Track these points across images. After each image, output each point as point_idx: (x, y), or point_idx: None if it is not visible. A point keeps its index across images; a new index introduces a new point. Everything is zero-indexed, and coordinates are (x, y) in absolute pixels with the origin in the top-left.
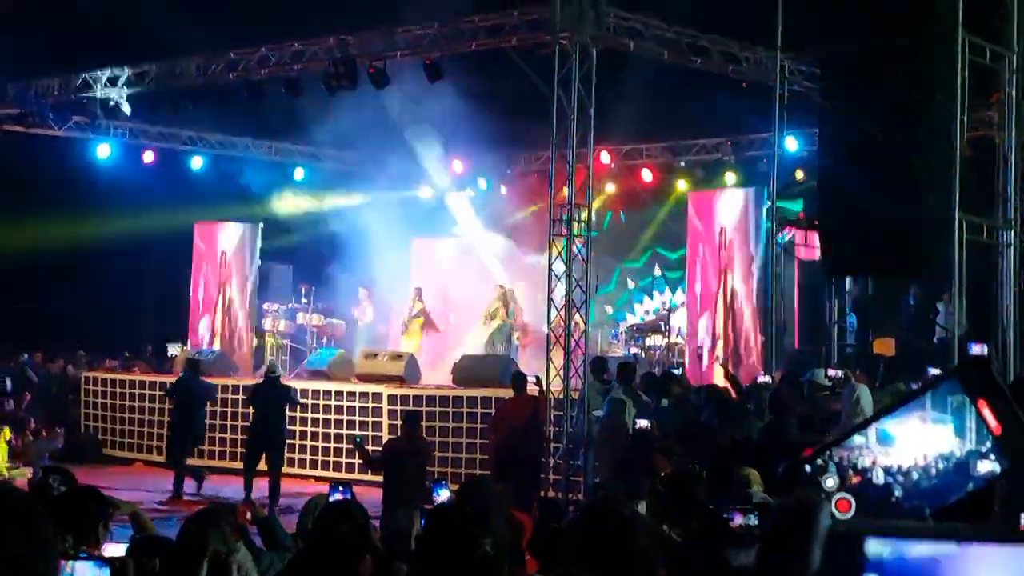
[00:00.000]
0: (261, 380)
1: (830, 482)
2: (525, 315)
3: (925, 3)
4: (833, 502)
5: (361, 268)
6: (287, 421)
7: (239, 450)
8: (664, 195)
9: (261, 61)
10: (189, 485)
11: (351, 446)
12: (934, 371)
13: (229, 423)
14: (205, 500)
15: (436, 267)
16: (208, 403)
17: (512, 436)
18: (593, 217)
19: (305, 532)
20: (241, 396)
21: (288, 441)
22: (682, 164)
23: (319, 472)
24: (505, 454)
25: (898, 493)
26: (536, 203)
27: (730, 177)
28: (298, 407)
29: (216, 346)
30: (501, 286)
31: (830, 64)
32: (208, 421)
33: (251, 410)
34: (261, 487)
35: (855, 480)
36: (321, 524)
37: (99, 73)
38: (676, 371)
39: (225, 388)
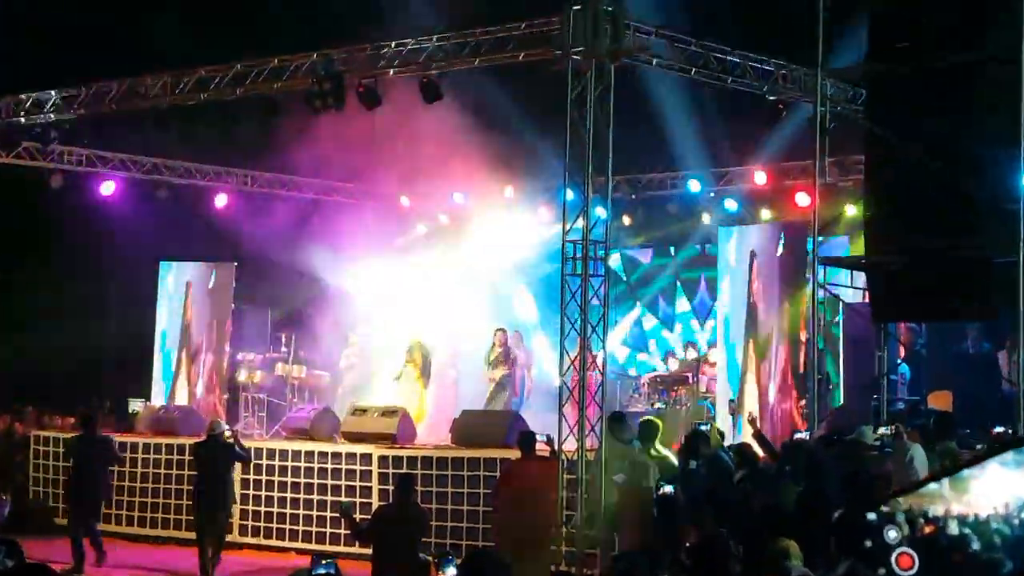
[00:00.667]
0: (203, 438)
1: (892, 533)
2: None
3: (982, 18)
4: (894, 558)
5: (349, 311)
6: (232, 482)
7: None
8: (691, 229)
9: (236, 79)
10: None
11: (336, 514)
12: (999, 429)
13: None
14: None
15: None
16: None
17: (520, 503)
18: (611, 255)
19: None
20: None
21: (264, 509)
22: (711, 195)
23: (299, 544)
24: (512, 524)
25: (975, 546)
26: (544, 236)
27: (765, 213)
28: (249, 463)
29: (182, 401)
30: (501, 330)
31: (877, 84)
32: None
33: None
34: (233, 561)
35: (927, 530)
36: None
37: (51, 93)
38: (705, 427)
39: (183, 448)
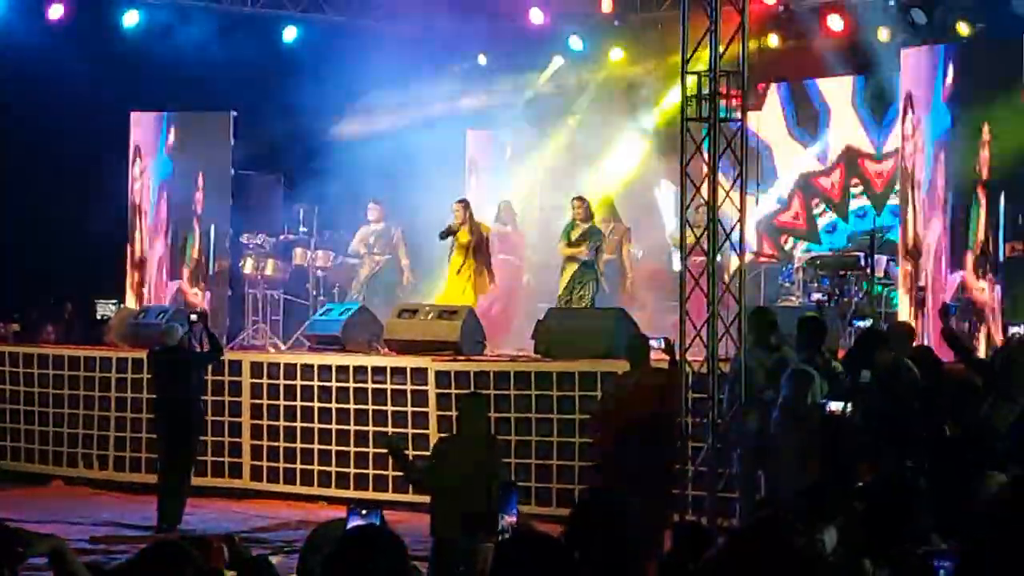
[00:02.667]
0: (157, 349)
1: None
2: (633, 243)
3: None
4: None
5: (385, 182)
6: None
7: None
8: (862, 53)
9: None
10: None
11: (381, 450)
12: None
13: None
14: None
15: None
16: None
17: (631, 432)
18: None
19: None
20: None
21: (283, 445)
22: (890, 4)
23: (332, 490)
24: (620, 459)
25: None
26: (661, 70)
27: (963, 26)
28: (221, 353)
29: (166, 302)
30: (580, 199)
31: None
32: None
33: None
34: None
35: None
36: (337, 564)
37: None
38: (884, 328)
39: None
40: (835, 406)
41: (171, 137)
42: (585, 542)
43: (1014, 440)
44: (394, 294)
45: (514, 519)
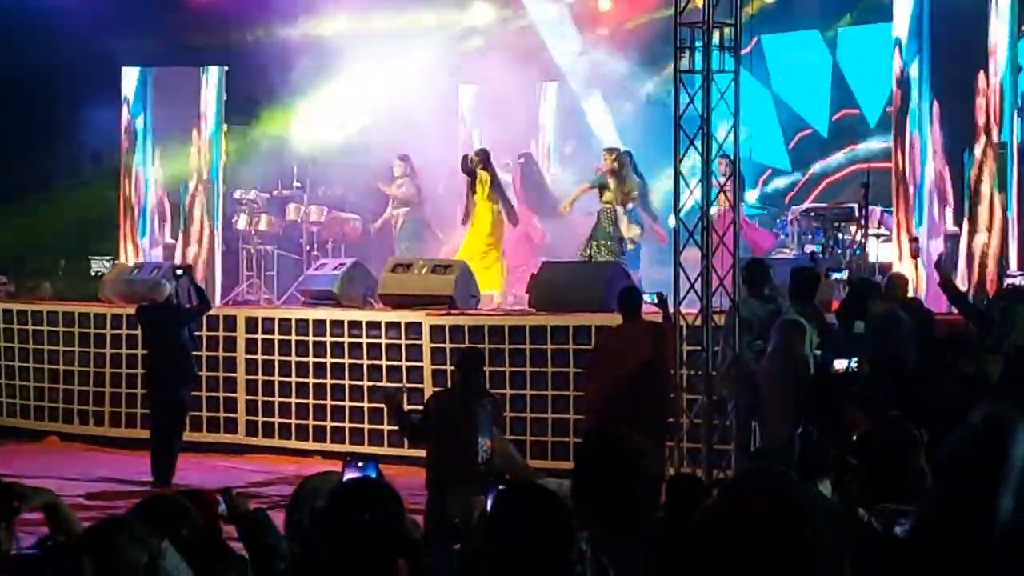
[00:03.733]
0: (145, 304)
1: None
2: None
3: None
4: None
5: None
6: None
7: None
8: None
9: None
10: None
11: (376, 404)
12: None
13: None
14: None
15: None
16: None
17: (624, 384)
18: (743, 36)
19: (304, 529)
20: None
21: (278, 400)
22: None
23: (327, 445)
24: (614, 411)
25: None
26: (650, 13)
27: None
28: (209, 307)
29: (159, 258)
30: (610, 151)
31: None
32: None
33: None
34: (232, 467)
35: None
36: (331, 515)
37: None
38: (877, 279)
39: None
40: (840, 364)
41: (158, 91)
42: (596, 485)
43: (1001, 387)
44: (422, 241)
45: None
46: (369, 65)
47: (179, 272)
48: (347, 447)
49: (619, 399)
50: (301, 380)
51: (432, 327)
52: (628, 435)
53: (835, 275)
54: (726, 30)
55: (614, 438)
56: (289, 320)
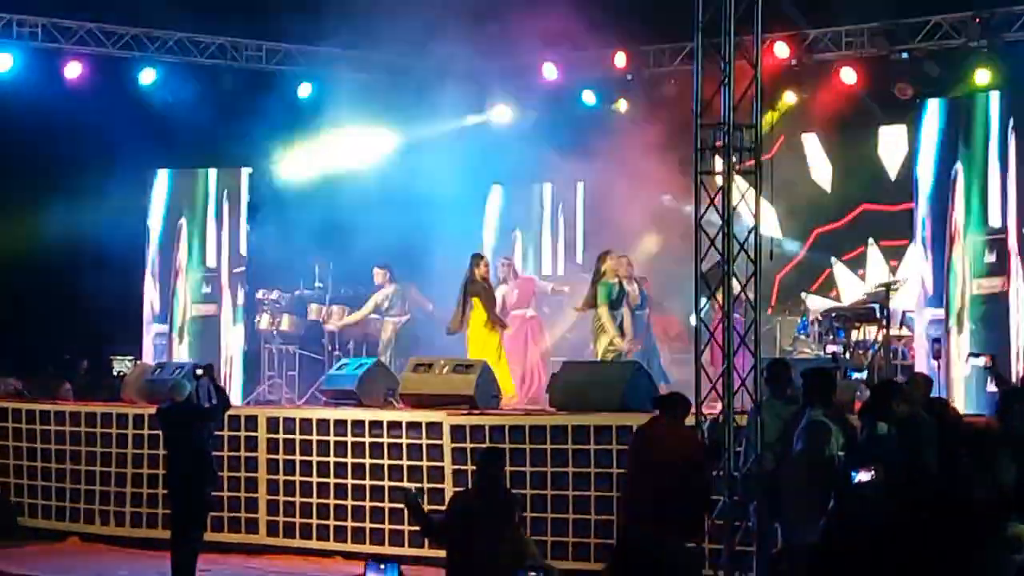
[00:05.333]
0: (165, 405)
1: None
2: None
3: None
4: None
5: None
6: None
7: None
8: (879, 106)
9: None
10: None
11: (398, 505)
12: None
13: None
14: None
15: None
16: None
17: (662, 480)
18: (764, 143)
19: None
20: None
21: (299, 500)
22: (903, 56)
23: (347, 545)
24: (650, 509)
25: None
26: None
27: (982, 75)
28: (228, 407)
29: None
30: (606, 254)
31: None
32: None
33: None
34: (253, 568)
35: None
36: None
37: None
38: (900, 380)
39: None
40: (864, 476)
41: (187, 193)
42: None
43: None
44: (420, 347)
45: None
46: None
47: (199, 372)
48: (368, 547)
49: (660, 495)
50: (322, 480)
51: (452, 427)
52: (664, 539)
53: (855, 375)
54: (747, 131)
55: (652, 542)
56: (310, 420)
